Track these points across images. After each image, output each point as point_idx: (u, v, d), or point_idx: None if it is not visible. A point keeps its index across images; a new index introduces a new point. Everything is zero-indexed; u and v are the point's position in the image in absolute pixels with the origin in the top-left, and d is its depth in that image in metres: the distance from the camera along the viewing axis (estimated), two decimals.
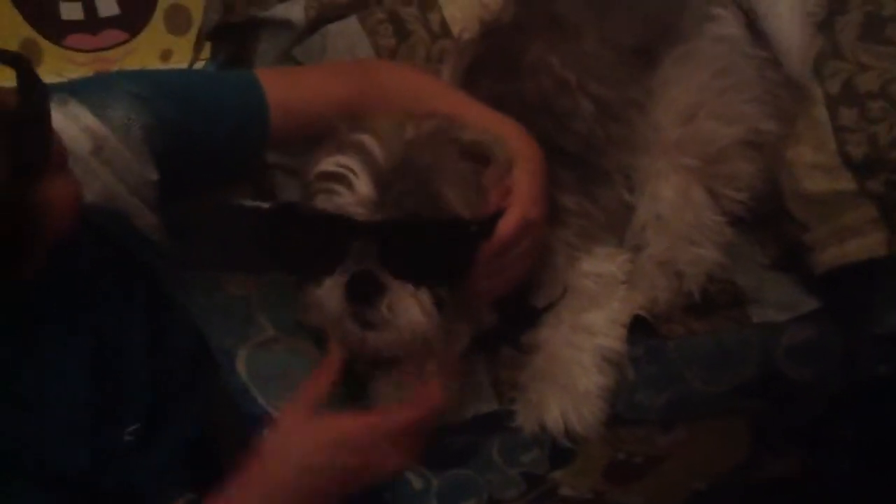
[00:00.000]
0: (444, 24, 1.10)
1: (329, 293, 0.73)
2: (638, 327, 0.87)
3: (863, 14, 0.92)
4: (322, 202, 0.73)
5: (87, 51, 1.36)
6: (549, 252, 0.82)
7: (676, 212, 0.88)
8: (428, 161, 0.73)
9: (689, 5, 0.92)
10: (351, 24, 1.12)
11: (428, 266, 0.73)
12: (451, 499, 0.88)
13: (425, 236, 0.72)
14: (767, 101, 0.89)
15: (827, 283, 0.88)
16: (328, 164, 0.73)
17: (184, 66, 1.29)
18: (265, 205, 1.07)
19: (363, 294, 0.72)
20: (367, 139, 0.74)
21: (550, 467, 0.89)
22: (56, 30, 1.34)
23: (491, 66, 0.92)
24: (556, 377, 0.84)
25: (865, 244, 0.85)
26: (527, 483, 0.90)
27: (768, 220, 0.92)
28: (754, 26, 0.91)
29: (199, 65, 1.24)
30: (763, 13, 0.91)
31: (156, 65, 1.36)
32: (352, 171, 0.72)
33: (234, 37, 1.18)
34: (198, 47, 1.21)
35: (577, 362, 0.83)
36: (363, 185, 0.72)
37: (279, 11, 1.14)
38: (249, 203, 1.08)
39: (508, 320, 0.77)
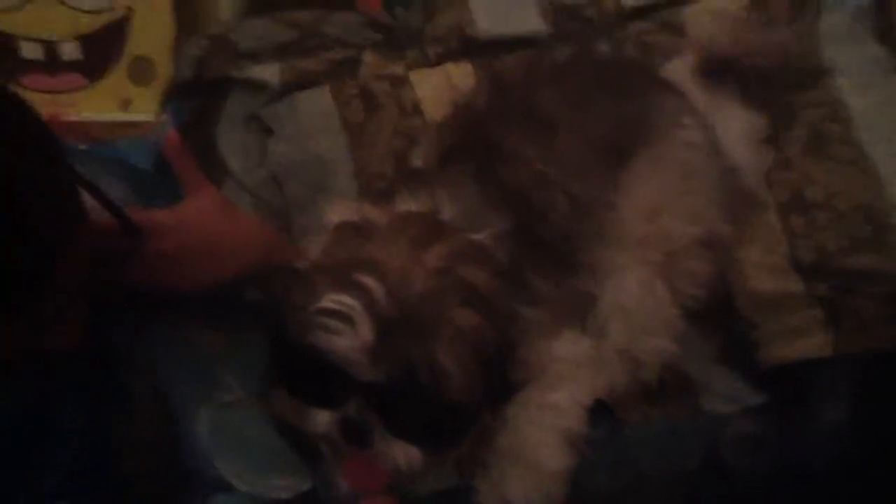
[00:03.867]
0: (415, 102, 1.13)
1: (319, 424, 0.76)
2: (597, 411, 0.90)
3: (807, 131, 1.01)
4: (321, 340, 0.74)
5: (44, 91, 1.33)
6: (527, 332, 0.84)
7: (638, 303, 0.91)
8: (428, 317, 0.74)
9: (660, 110, 0.97)
10: (322, 93, 1.13)
11: (421, 432, 0.76)
12: None
13: (419, 408, 0.74)
14: (725, 205, 0.95)
15: (773, 378, 0.93)
16: (330, 301, 0.74)
17: (144, 116, 1.28)
18: None
19: (355, 436, 0.75)
20: (373, 284, 0.74)
21: None
22: (13, 67, 1.31)
23: (469, 151, 0.94)
24: (521, 455, 0.85)
25: (811, 344, 0.91)
26: None
27: (718, 316, 0.97)
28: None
29: (160, 116, 1.23)
30: (719, 134, 0.98)
31: (114, 113, 1.34)
32: (354, 314, 0.73)
33: (200, 94, 1.18)
34: (164, 99, 1.21)
35: (542, 442, 0.85)
36: (364, 331, 0.72)
37: (254, 72, 1.15)
38: None
39: (486, 398, 0.79)
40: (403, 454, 0.75)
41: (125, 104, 1.35)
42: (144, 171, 1.03)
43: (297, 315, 0.76)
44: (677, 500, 0.96)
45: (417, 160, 1.01)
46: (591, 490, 0.90)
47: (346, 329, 0.73)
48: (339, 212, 0.87)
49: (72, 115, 1.32)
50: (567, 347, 0.89)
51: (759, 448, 0.94)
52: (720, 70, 1.05)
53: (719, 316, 0.97)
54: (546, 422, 0.85)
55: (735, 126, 1.02)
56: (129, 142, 1.25)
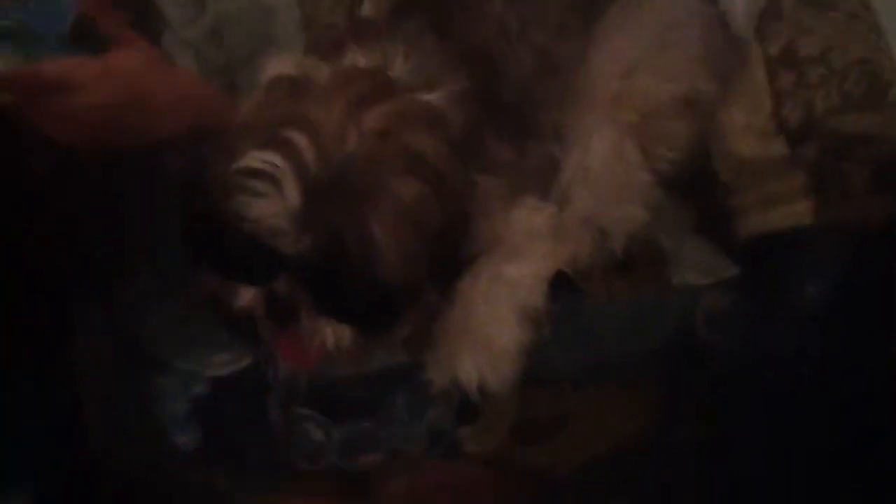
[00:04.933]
0: None
1: (244, 300, 0.70)
2: (558, 283, 0.84)
3: None
4: (243, 205, 0.66)
5: None
6: (481, 202, 0.77)
7: (606, 168, 0.85)
8: (363, 184, 0.67)
9: None
10: None
11: (351, 311, 0.69)
12: (351, 451, 0.84)
13: (349, 285, 0.67)
14: (709, 59, 0.87)
15: (751, 249, 0.87)
16: (254, 160, 0.66)
17: None
18: None
19: (281, 313, 0.69)
20: (303, 141, 0.66)
21: (457, 423, 0.86)
22: None
23: (426, 2, 0.85)
24: (473, 330, 0.80)
25: (792, 212, 0.85)
26: (431, 438, 0.86)
27: (695, 182, 0.91)
28: None
29: None
30: None
31: None
32: (279, 174, 0.65)
33: None
34: None
35: (495, 315, 0.79)
36: (290, 194, 0.65)
37: None
38: None
39: (430, 275, 0.72)
40: (332, 333, 0.69)
41: None
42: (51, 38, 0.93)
43: (218, 177, 0.68)
44: (646, 381, 0.92)
45: (368, 8, 0.92)
46: (552, 369, 0.86)
47: (270, 191, 0.65)
48: (277, 66, 0.79)
49: None
50: (526, 216, 0.83)
51: (734, 325, 0.89)
52: None
53: (697, 182, 0.91)
54: (500, 295, 0.80)
55: None
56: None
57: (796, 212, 0.85)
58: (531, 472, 0.91)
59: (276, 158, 0.65)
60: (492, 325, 0.80)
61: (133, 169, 0.82)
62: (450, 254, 0.75)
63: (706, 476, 0.90)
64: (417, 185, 0.69)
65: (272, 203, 0.65)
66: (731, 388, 0.90)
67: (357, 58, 0.80)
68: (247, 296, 0.70)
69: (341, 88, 0.73)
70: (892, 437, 0.82)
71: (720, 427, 0.90)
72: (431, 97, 0.76)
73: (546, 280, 0.82)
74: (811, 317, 0.84)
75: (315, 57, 0.85)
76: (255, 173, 0.66)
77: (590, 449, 0.96)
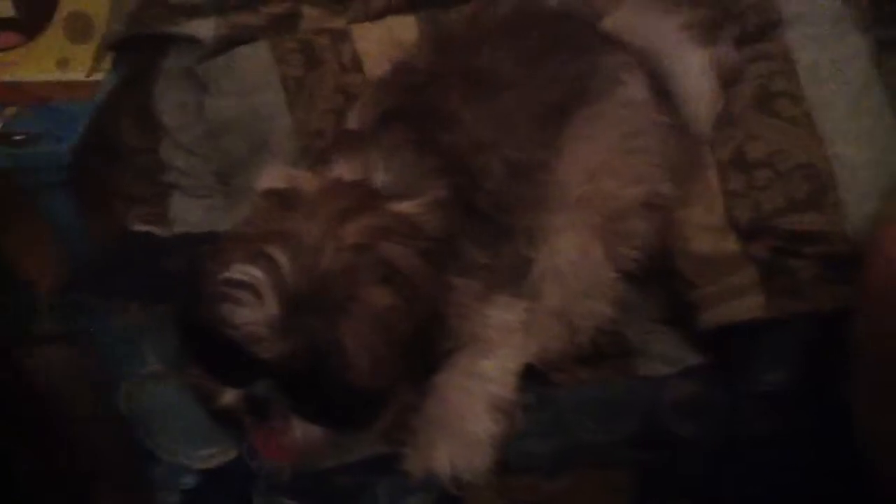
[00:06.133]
0: (355, 57, 1.10)
1: (226, 399, 0.74)
2: (529, 376, 0.88)
3: (754, 87, 0.98)
4: (228, 311, 0.71)
5: None
6: (457, 302, 0.82)
7: (574, 266, 0.89)
8: (337, 295, 0.72)
9: (600, 69, 0.94)
10: (260, 48, 1.10)
11: (322, 413, 0.73)
12: None
13: (321, 390, 0.72)
14: (667, 164, 0.93)
15: (712, 340, 0.91)
16: (236, 272, 0.71)
17: (81, 76, 1.25)
18: (157, 231, 1.04)
19: (256, 411, 0.73)
20: (281, 256, 0.71)
21: None
22: None
23: (407, 113, 0.91)
24: (447, 422, 0.84)
25: (746, 306, 0.89)
26: None
27: (657, 278, 0.95)
28: (661, 90, 0.95)
29: (98, 76, 1.20)
30: (676, 72, 0.95)
31: (53, 72, 1.31)
32: (259, 286, 0.70)
33: (138, 50, 1.15)
34: (98, 58, 1.18)
35: (468, 409, 0.83)
36: (270, 305, 0.70)
37: (188, 28, 1.11)
38: (142, 228, 1.06)
39: (404, 377, 0.77)
40: (302, 432, 0.73)
41: (63, 64, 1.32)
42: None
43: (208, 285, 0.74)
44: (618, 469, 0.94)
45: (353, 121, 0.98)
46: (526, 457, 0.89)
47: (251, 301, 0.70)
48: (269, 178, 0.84)
49: (8, 77, 1.29)
50: (499, 313, 0.87)
51: (702, 412, 0.92)
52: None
53: (658, 277, 0.95)
54: (473, 389, 0.84)
55: (699, 60, 0.98)
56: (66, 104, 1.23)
57: (749, 305, 0.89)
58: None
59: (257, 272, 0.70)
60: (465, 417, 0.83)
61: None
62: (424, 355, 0.79)
63: None
64: (389, 295, 0.73)
65: (253, 312, 0.70)
66: (702, 471, 0.93)
67: (342, 168, 0.85)
68: (230, 394, 0.74)
69: (325, 202, 0.78)
70: None
71: None
72: (409, 205, 0.80)
73: (517, 373, 0.87)
74: (771, 402, 0.87)
75: (304, 166, 0.91)
76: (240, 284, 0.71)
77: None
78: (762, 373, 0.90)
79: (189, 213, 1.10)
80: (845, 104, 0.95)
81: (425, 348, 0.79)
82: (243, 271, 0.71)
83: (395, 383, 0.76)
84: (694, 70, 0.97)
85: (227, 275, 0.72)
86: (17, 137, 1.17)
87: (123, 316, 0.88)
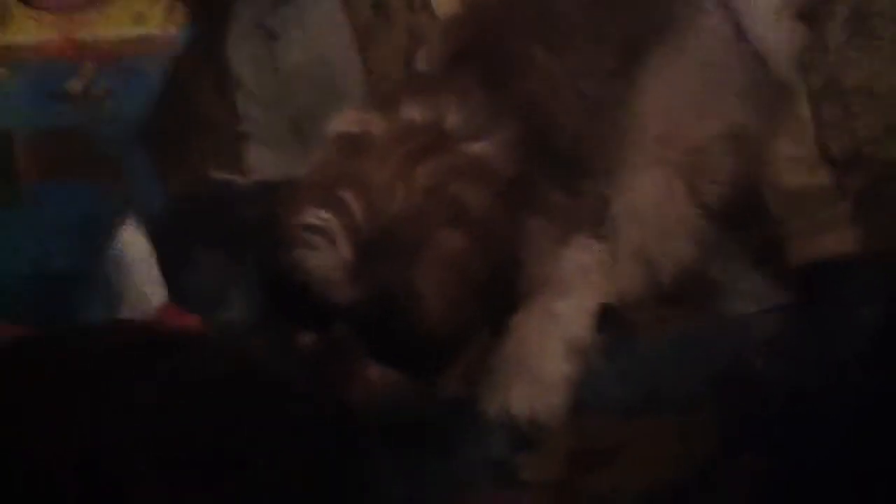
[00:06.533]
0: None
1: (304, 340, 0.75)
2: (608, 317, 0.87)
3: (849, 7, 0.93)
4: (302, 256, 0.72)
5: (56, 11, 1.32)
6: (533, 243, 0.80)
7: (655, 205, 0.88)
8: (409, 238, 0.71)
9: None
10: None
11: (400, 358, 0.73)
12: (415, 477, 0.87)
13: (397, 335, 0.72)
14: (751, 95, 0.89)
15: (802, 277, 0.88)
16: (310, 216, 0.72)
17: (160, 31, 1.26)
18: (236, 177, 1.06)
19: (337, 355, 0.73)
20: (353, 200, 0.72)
21: (513, 452, 0.89)
22: None
23: (477, 56, 0.89)
24: (524, 363, 0.83)
25: (838, 240, 0.86)
26: (488, 466, 0.89)
27: (744, 214, 0.92)
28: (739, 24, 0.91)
29: (172, 30, 1.22)
30: (743, 10, 0.91)
31: (129, 28, 1.32)
32: (332, 231, 0.71)
33: (210, 3, 1.16)
34: (171, 10, 1.19)
35: (545, 349, 0.83)
36: (343, 249, 0.70)
37: None
38: (221, 176, 1.08)
39: (486, 314, 0.76)
40: (378, 374, 0.73)
41: (139, 19, 1.33)
42: None
43: (282, 231, 0.75)
44: (700, 412, 0.92)
45: (423, 62, 0.97)
46: (606, 399, 0.88)
47: (325, 245, 0.71)
48: (341, 122, 0.84)
49: (85, 34, 1.31)
50: (576, 254, 0.86)
51: (790, 352, 0.89)
52: None
53: (745, 213, 0.92)
54: (549, 329, 0.83)
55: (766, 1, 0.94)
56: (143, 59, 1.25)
57: (842, 240, 0.85)
58: (590, 500, 0.92)
59: (329, 216, 0.71)
60: (542, 358, 0.83)
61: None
62: (500, 297, 0.78)
63: None
64: (462, 237, 0.73)
65: (326, 256, 0.71)
66: (788, 417, 0.90)
67: (412, 111, 0.83)
68: (308, 336, 0.75)
69: (396, 145, 0.77)
70: None
71: (777, 456, 0.90)
72: (482, 146, 0.79)
73: (595, 314, 0.85)
74: (864, 343, 0.84)
75: (374, 110, 0.90)
76: (312, 228, 0.71)
77: (649, 477, 0.97)
78: (854, 312, 0.86)
79: (265, 162, 1.12)
80: None
81: (500, 291, 0.78)
82: (316, 216, 0.71)
83: (470, 327, 0.75)
84: (768, 4, 0.93)
85: (299, 220, 0.72)
86: (98, 95, 1.19)
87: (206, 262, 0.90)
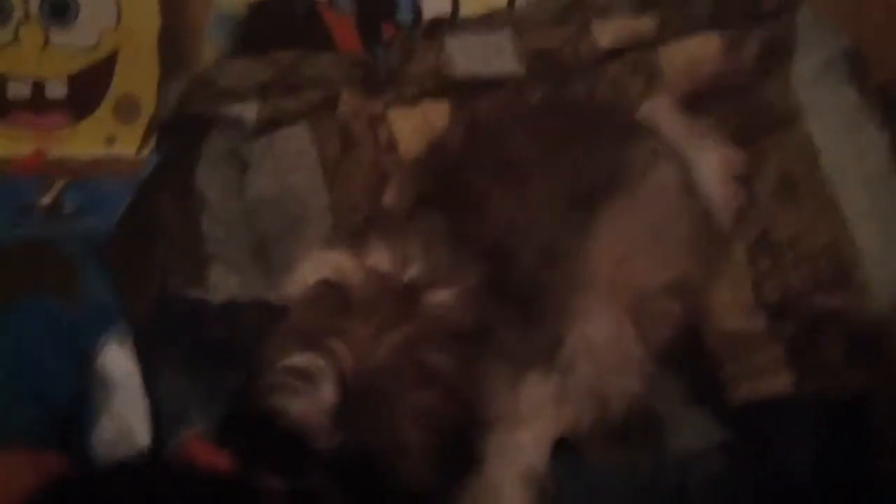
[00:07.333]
0: (391, 138, 1.15)
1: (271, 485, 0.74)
2: (560, 449, 0.90)
3: (777, 173, 1.02)
4: (285, 400, 0.73)
5: (31, 130, 1.35)
6: (491, 382, 0.84)
7: (605, 344, 0.92)
8: (388, 393, 0.74)
9: (632, 154, 0.98)
10: (300, 131, 1.15)
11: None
12: None
13: (377, 488, 0.73)
14: (696, 245, 0.96)
15: (740, 417, 0.93)
16: (299, 360, 0.74)
17: (130, 153, 1.30)
18: (199, 293, 1.07)
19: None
20: (340, 348, 0.74)
21: None
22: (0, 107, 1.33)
23: (440, 196, 0.94)
24: (482, 495, 0.84)
25: (773, 384, 0.91)
26: None
27: (687, 355, 0.97)
28: (687, 179, 0.99)
29: (145, 153, 1.25)
30: (697, 165, 1.00)
31: (100, 149, 1.36)
32: (319, 375, 0.73)
33: (183, 130, 1.20)
34: (147, 137, 1.23)
35: (503, 480, 0.85)
36: (328, 393, 0.72)
37: (234, 110, 1.16)
38: (183, 293, 1.08)
39: (447, 442, 0.78)
40: None
41: (110, 142, 1.37)
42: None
43: (264, 373, 0.76)
44: None
45: (389, 198, 1.02)
46: None
47: (310, 390, 0.72)
48: (317, 265, 0.87)
49: (58, 152, 1.34)
50: (531, 389, 0.89)
51: (728, 489, 0.93)
52: (697, 107, 1.06)
53: (688, 355, 0.97)
54: (506, 462, 0.85)
55: (712, 160, 1.02)
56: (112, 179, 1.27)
57: (777, 383, 0.91)
58: None
59: (319, 361, 0.73)
60: (499, 488, 0.85)
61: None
62: (463, 453, 0.80)
63: None
64: (432, 394, 0.76)
65: (312, 401, 0.72)
66: None
67: (380, 256, 0.86)
68: (276, 482, 0.74)
69: (373, 306, 0.80)
70: None
71: None
72: (445, 296, 0.82)
73: (549, 445, 0.88)
74: (796, 481, 0.88)
75: (341, 245, 0.93)
76: (299, 371, 0.73)
77: None
78: (787, 451, 0.91)
79: (228, 283, 1.12)
80: (866, 191, 0.99)
81: (464, 444, 0.80)
82: (305, 359, 0.73)
83: (439, 480, 0.77)
84: (711, 166, 1.02)
85: (285, 362, 0.74)
86: (66, 211, 1.21)
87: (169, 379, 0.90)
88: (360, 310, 0.79)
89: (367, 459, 0.72)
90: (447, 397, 0.77)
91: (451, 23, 1.28)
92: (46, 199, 1.25)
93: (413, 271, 0.85)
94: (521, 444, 0.86)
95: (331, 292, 0.82)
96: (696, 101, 1.07)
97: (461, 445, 0.79)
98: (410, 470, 0.73)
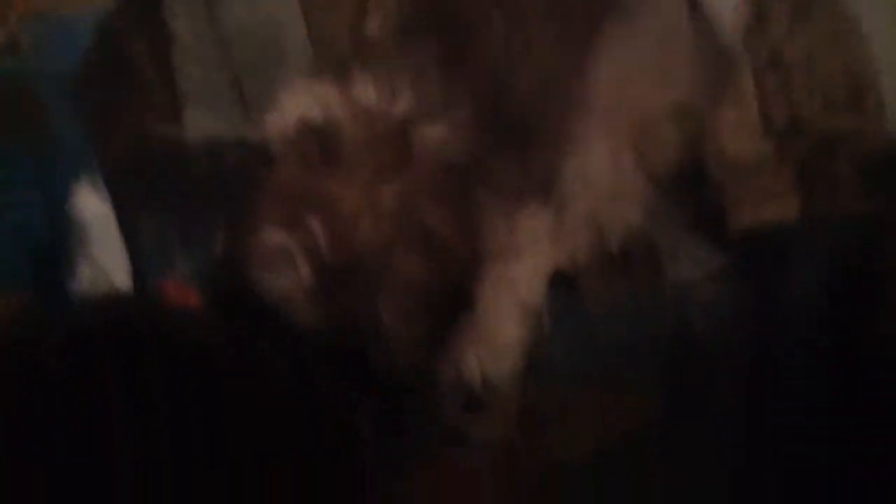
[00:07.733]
0: None
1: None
2: (557, 282, 0.88)
3: None
4: (267, 279, 0.72)
5: None
6: (486, 214, 0.82)
7: (603, 173, 0.89)
8: (370, 269, 0.72)
9: None
10: None
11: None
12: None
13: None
14: (700, 66, 0.91)
15: (744, 243, 0.91)
16: (270, 238, 0.72)
17: None
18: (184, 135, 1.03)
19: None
20: (317, 225, 0.72)
21: (463, 413, 0.90)
22: None
23: (429, 22, 0.89)
24: (476, 327, 0.84)
25: (779, 207, 0.89)
26: (438, 427, 0.90)
27: (688, 181, 0.94)
28: None
29: None
30: None
31: None
32: (294, 255, 0.71)
33: None
34: None
35: (497, 314, 0.84)
36: (305, 274, 0.71)
37: None
38: (160, 132, 1.05)
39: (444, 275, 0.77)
40: None
41: None
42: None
43: (246, 239, 0.75)
44: (647, 374, 0.95)
45: (373, 29, 0.96)
46: (554, 363, 0.89)
47: (287, 270, 0.72)
48: (298, 98, 0.84)
49: None
50: (527, 221, 0.87)
51: (728, 316, 0.93)
52: None
53: (690, 182, 0.94)
54: (503, 295, 0.84)
55: None
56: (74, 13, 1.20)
57: (784, 206, 0.89)
58: (540, 461, 0.94)
59: (291, 241, 0.72)
60: (495, 322, 0.84)
61: None
62: (458, 303, 0.80)
63: (713, 465, 0.93)
64: (425, 261, 0.75)
65: (286, 278, 0.71)
66: (730, 379, 0.94)
67: (366, 89, 0.83)
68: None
69: (364, 158, 0.77)
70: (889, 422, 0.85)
71: (721, 418, 0.93)
72: (438, 130, 0.80)
73: (545, 278, 0.86)
74: (802, 307, 0.87)
75: (327, 81, 0.88)
76: (276, 251, 0.72)
77: (596, 439, 0.99)
78: (794, 277, 0.89)
79: (203, 122, 1.09)
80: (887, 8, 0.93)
81: (456, 300, 0.80)
82: (278, 236, 0.72)
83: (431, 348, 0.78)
84: None
85: (265, 237, 0.73)
86: (25, 47, 1.14)
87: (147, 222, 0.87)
88: (348, 160, 0.76)
89: (349, 337, 0.72)
90: (441, 259, 0.76)
91: None
92: (1, 37, 1.17)
93: (402, 104, 0.82)
94: (516, 278, 0.85)
95: (316, 137, 0.79)
96: None
97: (454, 294, 0.78)
98: (396, 348, 0.73)
